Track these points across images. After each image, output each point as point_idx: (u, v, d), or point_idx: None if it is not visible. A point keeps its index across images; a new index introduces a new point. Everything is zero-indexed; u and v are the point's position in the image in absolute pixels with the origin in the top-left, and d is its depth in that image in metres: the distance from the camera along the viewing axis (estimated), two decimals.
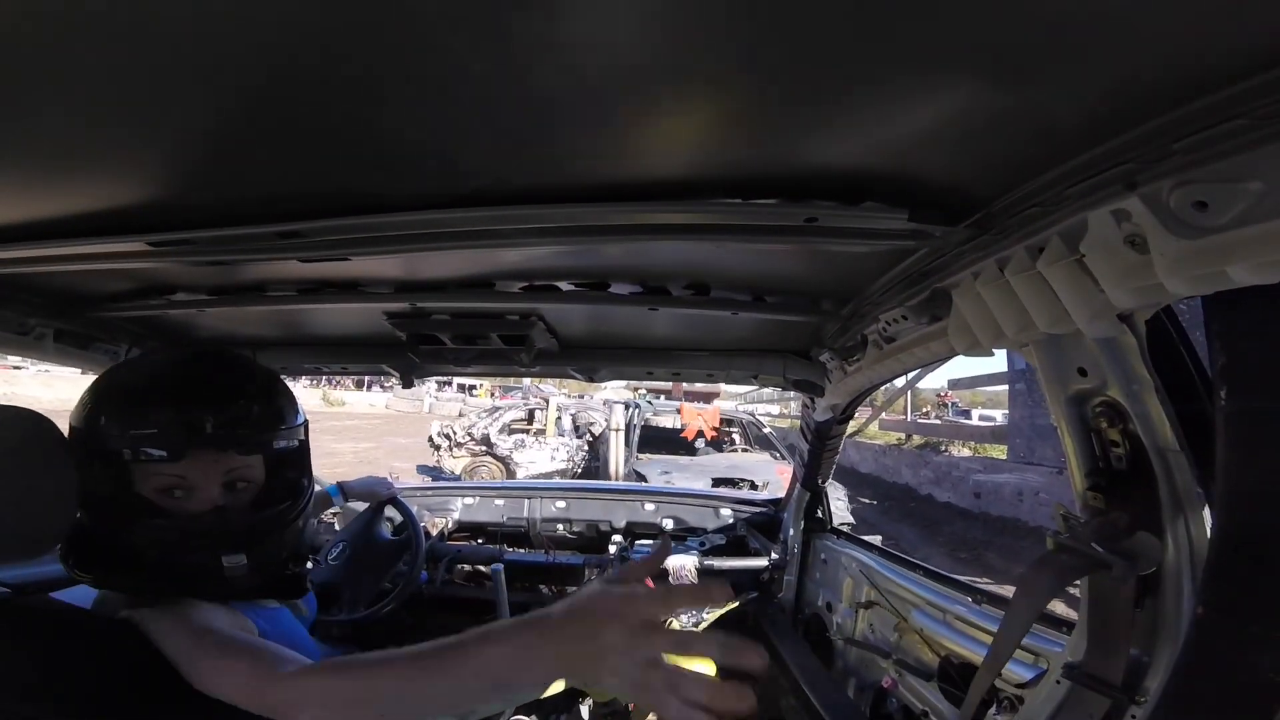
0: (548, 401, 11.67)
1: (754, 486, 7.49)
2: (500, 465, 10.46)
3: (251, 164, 0.79)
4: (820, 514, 2.49)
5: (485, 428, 10.96)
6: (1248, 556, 0.73)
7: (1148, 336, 0.81)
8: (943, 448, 10.90)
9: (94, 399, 1.05)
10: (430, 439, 11.53)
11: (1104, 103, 0.59)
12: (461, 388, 30.78)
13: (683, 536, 2.84)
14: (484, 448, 10.76)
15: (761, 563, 2.51)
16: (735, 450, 9.71)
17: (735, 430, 10.20)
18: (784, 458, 8.50)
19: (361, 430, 20.62)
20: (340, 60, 0.56)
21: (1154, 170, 0.61)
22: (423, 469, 11.86)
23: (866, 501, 8.92)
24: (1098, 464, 0.96)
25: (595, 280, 1.33)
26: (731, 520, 2.85)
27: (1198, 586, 0.83)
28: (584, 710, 2.03)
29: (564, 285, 1.36)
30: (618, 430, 9.28)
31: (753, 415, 11.06)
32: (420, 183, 0.83)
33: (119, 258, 1.07)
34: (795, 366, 1.97)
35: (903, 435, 11.38)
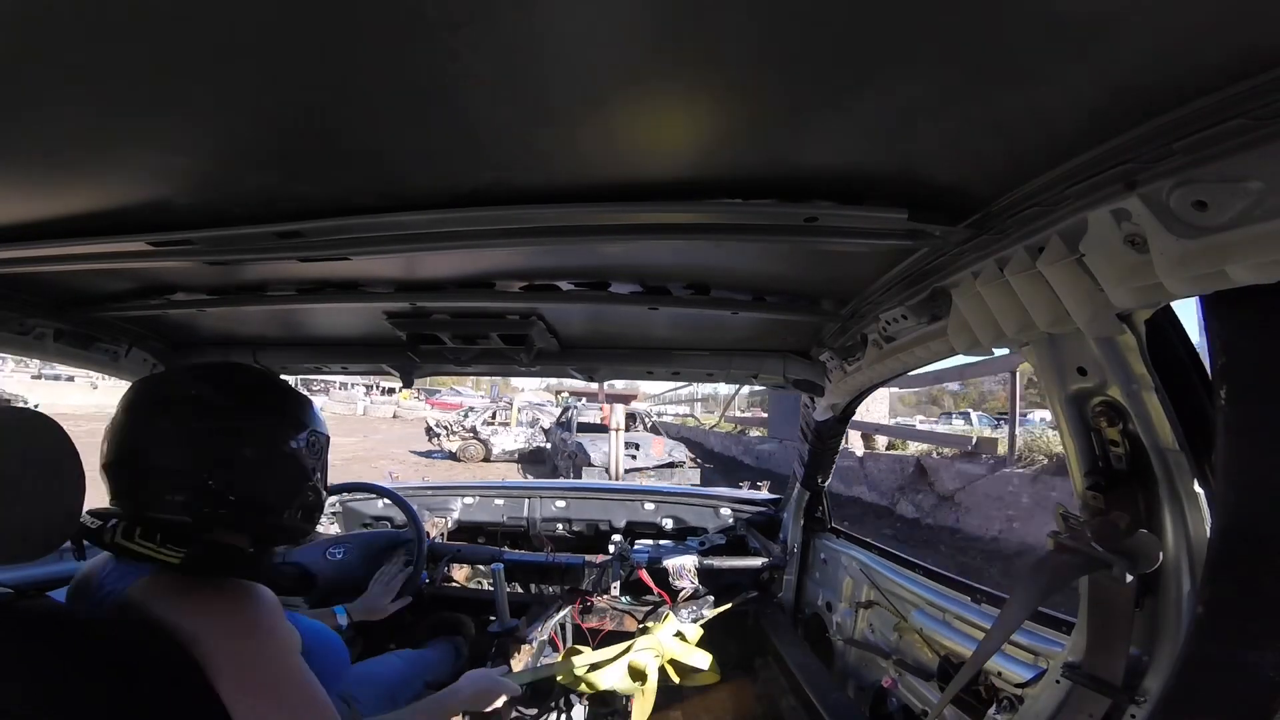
0: (511, 403, 18.06)
1: (637, 447, 11.89)
2: (481, 444, 15.98)
3: (252, 164, 0.79)
4: (820, 513, 2.49)
5: (472, 422, 16.39)
6: (1247, 556, 0.73)
7: (1147, 336, 0.81)
8: (748, 431, 17.30)
9: (287, 399, 1.17)
10: (428, 429, 16.99)
11: (1104, 102, 0.59)
12: (385, 390, 33.24)
13: (682, 536, 2.84)
14: (471, 434, 16.08)
15: (761, 562, 2.51)
16: (635, 431, 13.82)
17: (638, 421, 14.90)
18: (660, 434, 13.78)
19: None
20: (340, 62, 0.56)
21: (1154, 170, 0.61)
22: (416, 452, 16.54)
23: (709, 466, 14.65)
24: (1097, 463, 0.96)
25: (595, 280, 1.33)
26: (731, 520, 2.85)
27: (1197, 586, 0.83)
28: (580, 712, 2.03)
29: (564, 285, 1.36)
30: (618, 429, 9.43)
31: (648, 412, 17.08)
32: (421, 182, 0.83)
33: (120, 257, 1.07)
34: (795, 366, 1.97)
35: (733, 426, 18.00)
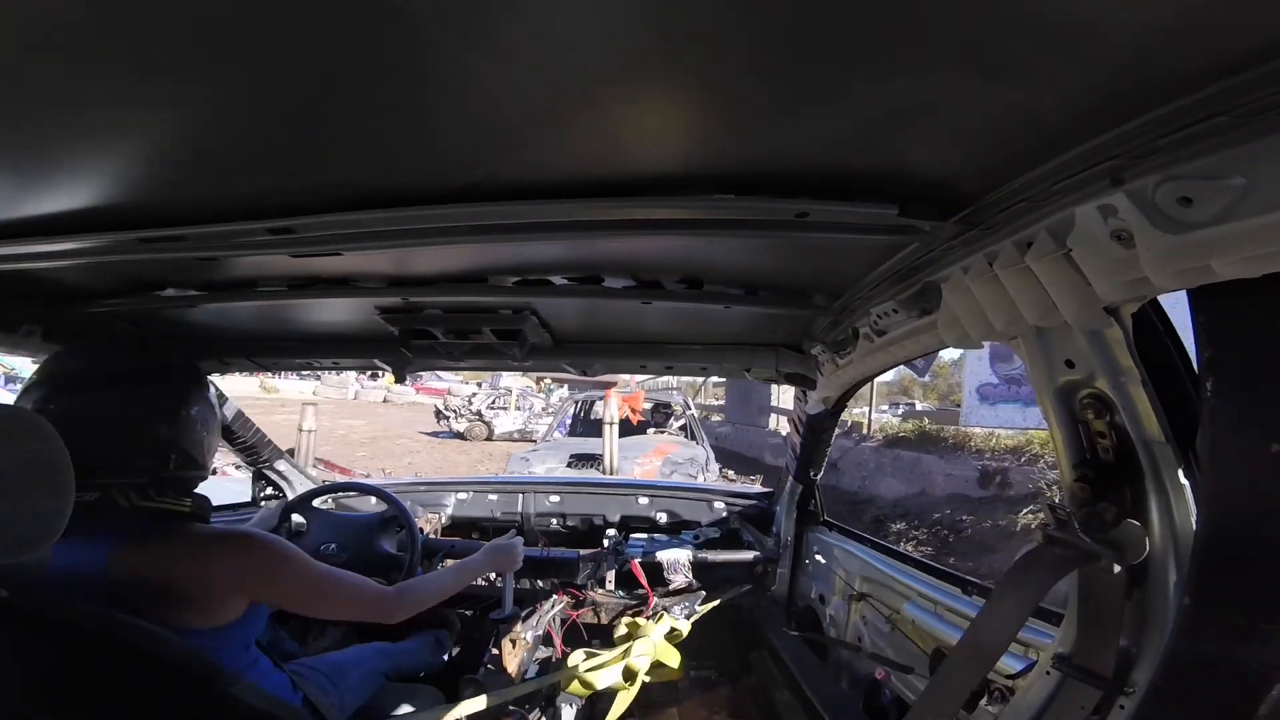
0: (511, 391, 19.78)
1: (595, 460, 8.09)
2: (485, 425, 17.91)
3: (243, 159, 0.79)
4: (813, 506, 2.50)
5: (477, 406, 18.20)
6: (1232, 547, 0.74)
7: (1134, 329, 0.82)
8: (710, 417, 20.85)
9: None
10: (437, 412, 18.77)
11: (1091, 100, 0.60)
12: (372, 375, 34.62)
13: (676, 530, 2.85)
14: (477, 416, 17.98)
15: (754, 556, 2.52)
16: (666, 433, 11.09)
17: (670, 417, 12.03)
18: (693, 437, 10.02)
19: (321, 411, 23.89)
20: (332, 57, 0.56)
21: (1140, 166, 0.62)
22: (425, 433, 18.42)
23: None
24: (1085, 455, 0.96)
25: (588, 274, 1.33)
26: (725, 514, 2.86)
27: (1184, 577, 0.84)
28: (569, 713, 2.03)
29: (557, 279, 1.36)
30: (611, 424, 9.34)
31: (684, 404, 12.73)
32: (413, 178, 0.83)
33: (110, 253, 1.07)
34: (787, 359, 1.98)
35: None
